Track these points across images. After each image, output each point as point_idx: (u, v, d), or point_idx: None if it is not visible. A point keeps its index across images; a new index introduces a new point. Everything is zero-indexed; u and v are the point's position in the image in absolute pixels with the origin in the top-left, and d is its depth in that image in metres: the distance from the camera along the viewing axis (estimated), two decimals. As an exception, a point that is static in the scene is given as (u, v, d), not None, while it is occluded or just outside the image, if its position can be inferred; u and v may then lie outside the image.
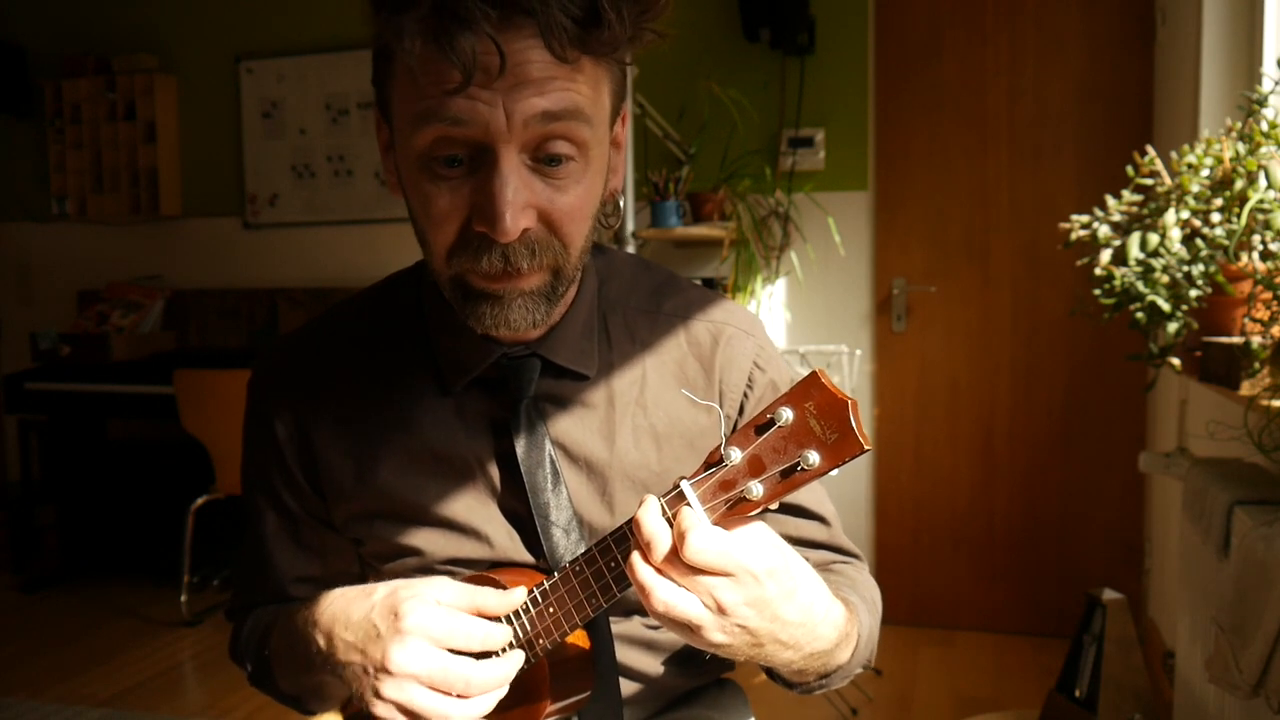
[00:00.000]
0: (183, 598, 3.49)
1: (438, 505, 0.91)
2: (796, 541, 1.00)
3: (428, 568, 0.93)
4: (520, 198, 0.75)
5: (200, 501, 3.49)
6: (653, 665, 0.98)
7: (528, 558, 0.91)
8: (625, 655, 0.96)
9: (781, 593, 0.73)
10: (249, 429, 0.98)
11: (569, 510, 0.90)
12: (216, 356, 3.87)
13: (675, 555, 0.71)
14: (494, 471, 0.91)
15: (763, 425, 0.71)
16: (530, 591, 0.83)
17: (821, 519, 1.00)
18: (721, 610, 0.71)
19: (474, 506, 0.91)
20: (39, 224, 4.45)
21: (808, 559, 1.00)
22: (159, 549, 3.94)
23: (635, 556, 0.73)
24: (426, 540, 0.92)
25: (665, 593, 0.71)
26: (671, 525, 0.72)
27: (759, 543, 0.73)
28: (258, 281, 4.16)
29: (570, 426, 0.92)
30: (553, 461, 0.90)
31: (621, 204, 0.89)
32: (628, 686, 0.98)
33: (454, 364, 0.91)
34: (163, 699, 2.90)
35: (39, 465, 4.25)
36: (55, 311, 4.42)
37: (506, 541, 0.91)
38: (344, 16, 3.95)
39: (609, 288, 0.96)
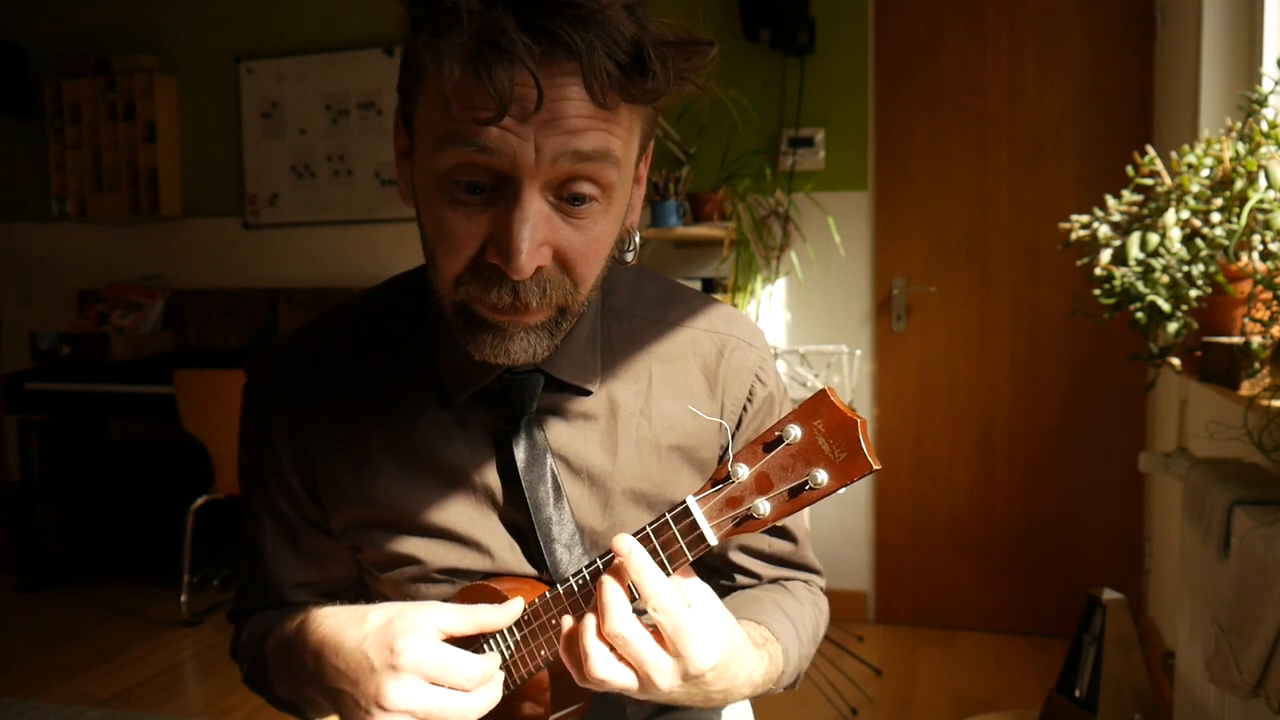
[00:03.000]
0: (183, 598, 3.49)
1: (438, 516, 0.91)
2: (766, 557, 1.02)
3: (427, 578, 0.92)
4: (539, 235, 0.74)
5: (200, 502, 3.49)
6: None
7: (529, 570, 0.91)
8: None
9: (715, 678, 0.76)
10: (245, 435, 0.97)
11: (571, 524, 0.90)
12: (216, 356, 3.87)
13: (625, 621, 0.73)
14: (495, 484, 0.91)
15: (771, 443, 0.71)
16: (533, 603, 0.83)
17: (793, 538, 1.02)
18: (655, 688, 0.74)
19: (475, 518, 0.91)
20: (39, 224, 4.45)
21: (764, 575, 1.02)
22: (159, 549, 3.94)
23: (587, 623, 0.74)
24: (426, 551, 0.91)
25: (603, 667, 0.73)
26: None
27: (713, 633, 0.74)
28: (258, 281, 4.16)
29: (573, 439, 0.92)
30: (554, 475, 0.90)
31: (637, 239, 0.88)
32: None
33: (456, 377, 0.90)
34: (163, 699, 2.90)
35: (39, 465, 4.25)
36: (55, 311, 4.42)
37: (508, 554, 0.91)
38: (344, 16, 3.95)
39: (613, 298, 0.95)
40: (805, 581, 1.04)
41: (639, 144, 0.80)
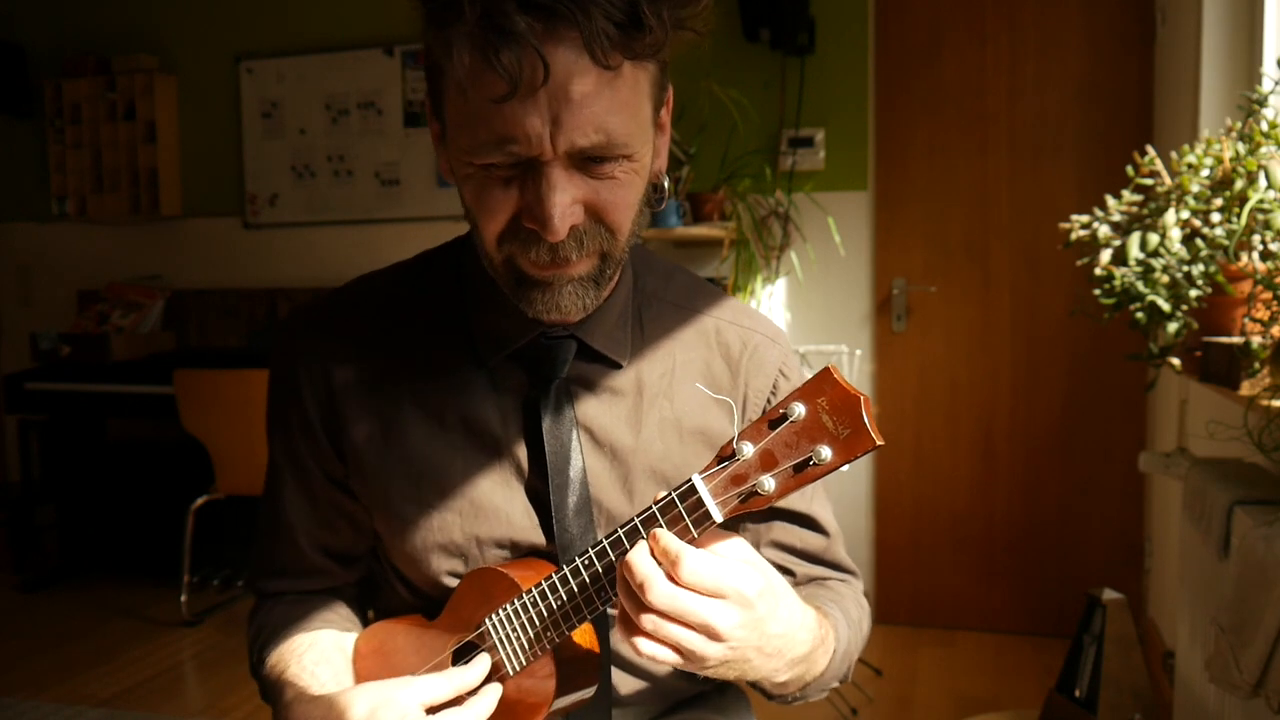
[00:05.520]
0: (183, 598, 3.49)
1: (460, 475, 0.92)
2: (798, 553, 1.01)
3: (442, 547, 0.92)
4: (567, 198, 0.77)
5: (200, 501, 3.49)
6: (657, 666, 0.98)
7: (541, 540, 0.92)
8: (631, 654, 0.96)
9: (769, 611, 0.75)
10: (274, 386, 0.98)
11: (585, 494, 0.91)
12: (216, 356, 3.86)
13: (669, 583, 0.73)
14: (519, 449, 0.92)
15: (775, 420, 0.72)
16: (539, 584, 0.84)
17: (825, 532, 1.02)
18: (717, 636, 0.73)
19: (497, 482, 0.92)
20: (39, 224, 4.45)
21: (799, 573, 1.01)
22: (159, 549, 3.94)
23: (631, 601, 0.74)
24: (442, 517, 0.92)
25: (670, 631, 0.73)
26: (655, 553, 0.74)
27: (747, 564, 0.75)
28: (258, 281, 4.16)
29: (599, 412, 0.93)
30: (578, 444, 0.91)
31: (665, 184, 0.92)
32: (632, 686, 0.98)
33: (491, 338, 0.92)
34: (163, 699, 2.90)
35: (39, 465, 4.25)
36: (55, 311, 4.42)
37: (524, 519, 0.92)
38: (344, 16, 3.95)
39: (645, 280, 0.98)
40: (843, 581, 1.03)
41: (652, 95, 0.82)
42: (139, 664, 3.16)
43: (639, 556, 0.74)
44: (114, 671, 3.10)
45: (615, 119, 0.76)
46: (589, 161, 0.78)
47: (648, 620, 0.73)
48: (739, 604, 0.73)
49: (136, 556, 4.08)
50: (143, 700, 2.89)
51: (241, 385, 3.30)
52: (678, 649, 0.73)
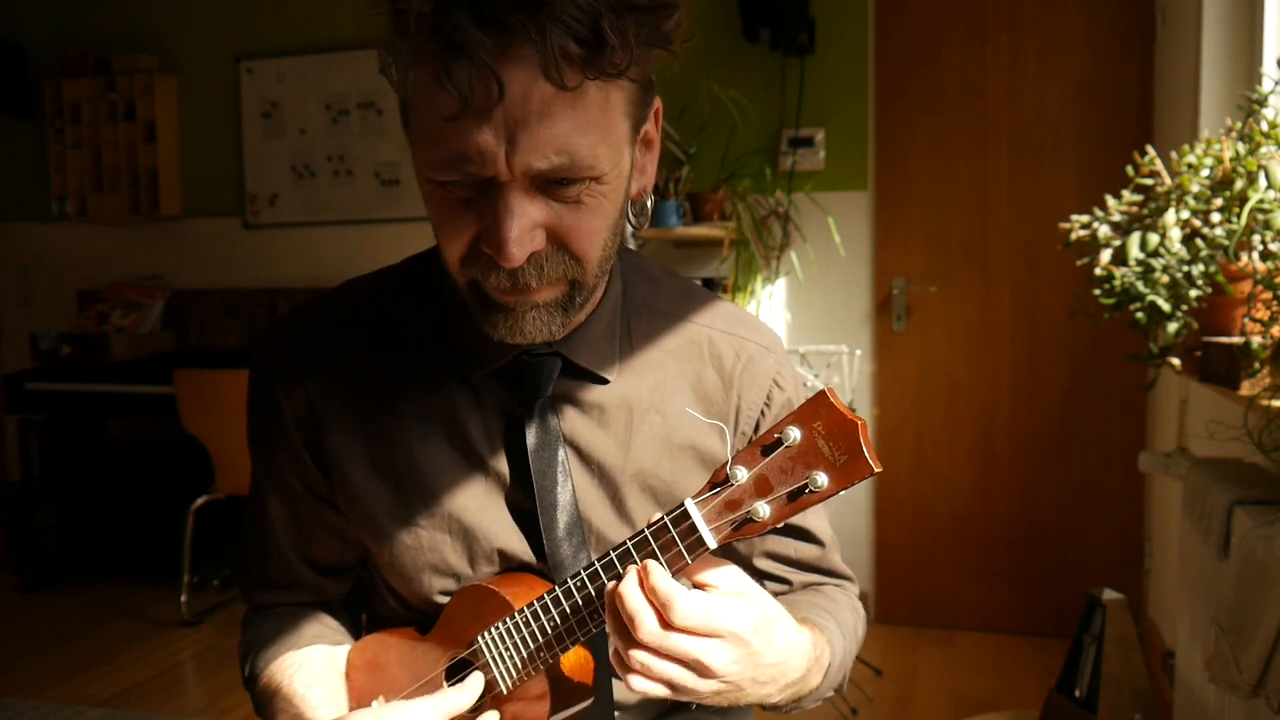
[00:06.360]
0: (183, 598, 3.49)
1: (446, 493, 0.90)
2: (793, 562, 1.01)
3: (431, 566, 0.91)
4: (525, 223, 0.73)
5: (200, 501, 3.49)
6: None
7: (529, 557, 0.91)
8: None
9: (764, 645, 0.74)
10: (252, 402, 0.95)
11: (574, 512, 0.89)
12: (216, 356, 3.87)
13: (659, 622, 0.72)
14: (504, 468, 0.90)
15: (770, 445, 0.70)
16: (531, 604, 0.83)
17: (819, 542, 1.01)
18: (710, 674, 0.72)
19: (484, 502, 0.90)
20: (39, 224, 4.45)
21: (794, 581, 1.01)
22: (159, 549, 3.94)
23: (622, 638, 0.73)
24: (430, 536, 0.90)
25: (660, 669, 0.73)
26: (644, 586, 0.73)
27: (740, 597, 0.74)
28: (258, 281, 4.16)
29: (585, 429, 0.91)
30: (564, 462, 0.89)
31: (650, 203, 0.88)
32: (633, 693, 0.97)
33: (474, 354, 0.89)
34: (163, 699, 2.90)
35: (39, 465, 4.24)
36: (55, 311, 4.42)
37: (516, 543, 0.90)
38: (344, 16, 3.95)
39: (635, 288, 0.95)
40: (838, 586, 1.03)
41: (629, 113, 0.77)
42: (139, 664, 3.16)
43: (628, 590, 0.73)
44: (114, 671, 3.10)
45: (581, 140, 0.72)
46: (552, 184, 0.74)
47: (637, 657, 0.72)
48: (733, 643, 0.72)
49: (136, 556, 4.08)
50: (143, 700, 2.89)
51: (241, 385, 3.28)
52: (669, 685, 0.73)
